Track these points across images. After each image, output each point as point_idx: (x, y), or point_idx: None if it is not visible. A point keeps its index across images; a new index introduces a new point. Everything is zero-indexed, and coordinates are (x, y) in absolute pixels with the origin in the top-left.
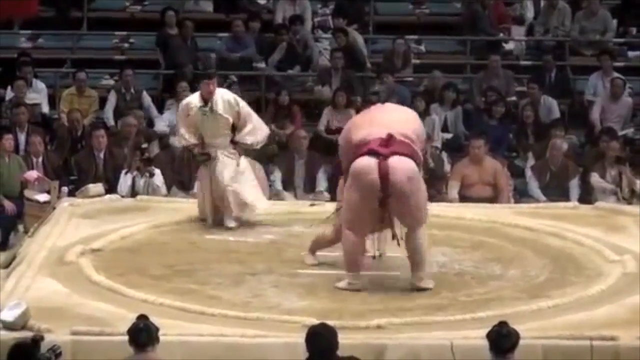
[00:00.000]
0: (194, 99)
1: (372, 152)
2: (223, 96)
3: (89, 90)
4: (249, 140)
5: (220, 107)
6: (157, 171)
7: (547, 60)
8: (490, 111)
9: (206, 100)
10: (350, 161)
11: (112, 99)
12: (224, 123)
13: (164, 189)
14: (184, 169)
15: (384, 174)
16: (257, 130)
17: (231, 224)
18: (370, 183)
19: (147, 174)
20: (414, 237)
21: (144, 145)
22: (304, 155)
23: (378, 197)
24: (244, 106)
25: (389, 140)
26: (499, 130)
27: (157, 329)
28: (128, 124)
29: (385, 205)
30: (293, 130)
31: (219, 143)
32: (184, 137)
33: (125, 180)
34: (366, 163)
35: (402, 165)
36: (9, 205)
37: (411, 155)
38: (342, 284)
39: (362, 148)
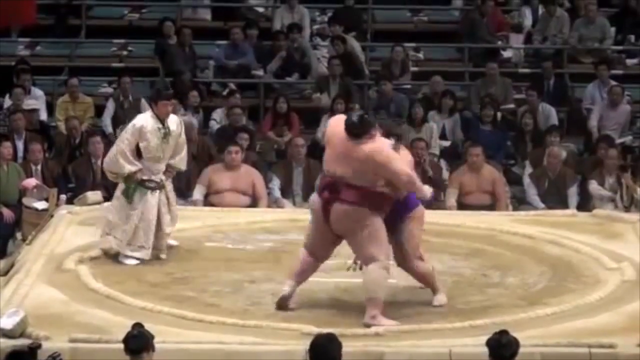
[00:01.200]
0: (147, 121)
1: (319, 192)
2: (173, 119)
3: (83, 96)
4: (183, 166)
5: (175, 129)
6: None
7: (546, 66)
8: (489, 118)
9: (162, 121)
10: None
11: (110, 106)
12: (177, 146)
13: None
14: (182, 176)
15: (326, 217)
16: (186, 155)
17: (174, 242)
18: (319, 218)
19: None
20: (364, 273)
21: None
22: (302, 163)
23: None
24: (183, 130)
25: (334, 185)
26: (495, 137)
27: (152, 336)
28: None
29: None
30: (291, 137)
31: (161, 168)
32: (132, 162)
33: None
34: (315, 200)
35: (336, 212)
36: (7, 213)
37: (353, 200)
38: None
39: (320, 182)
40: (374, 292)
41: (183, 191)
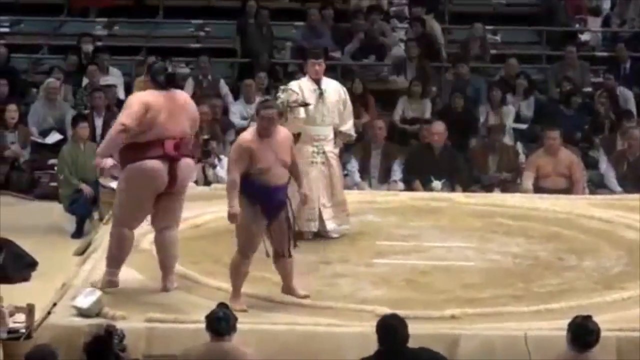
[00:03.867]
0: (303, 83)
1: (165, 157)
2: (331, 82)
3: None
4: (353, 132)
5: (331, 92)
6: (224, 161)
7: (619, 49)
8: (567, 101)
9: (317, 82)
10: (134, 147)
11: (189, 86)
12: (336, 111)
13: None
14: None
15: (173, 176)
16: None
17: (335, 234)
18: (161, 184)
19: (209, 165)
20: (173, 237)
21: (205, 137)
22: (381, 145)
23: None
24: (347, 95)
25: (180, 144)
26: (573, 121)
27: (235, 318)
28: (201, 112)
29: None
30: (368, 119)
31: (326, 134)
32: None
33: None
34: (160, 167)
35: (184, 168)
36: (87, 189)
37: (190, 154)
38: (101, 282)
39: (156, 148)
40: (178, 253)
41: None
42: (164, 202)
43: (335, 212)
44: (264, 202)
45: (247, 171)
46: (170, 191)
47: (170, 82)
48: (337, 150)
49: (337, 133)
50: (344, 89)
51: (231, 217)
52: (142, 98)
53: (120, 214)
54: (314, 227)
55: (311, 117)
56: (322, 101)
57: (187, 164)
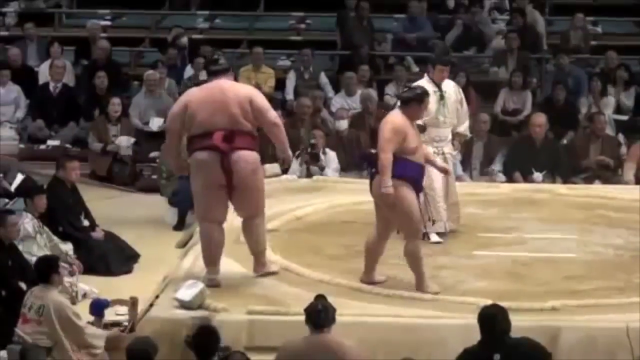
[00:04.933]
0: (424, 84)
1: (214, 148)
2: (449, 83)
3: (265, 67)
4: (469, 132)
5: (451, 94)
6: (332, 156)
7: None
8: None
9: (438, 85)
10: (190, 141)
11: (292, 77)
12: (454, 111)
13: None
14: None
15: (227, 169)
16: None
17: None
18: (213, 175)
19: (318, 168)
20: (255, 226)
21: (313, 141)
22: (484, 138)
23: (222, 186)
24: (463, 95)
25: (231, 136)
26: None
27: (334, 310)
28: (303, 105)
29: (230, 193)
30: (470, 112)
31: (446, 136)
32: None
33: (295, 163)
34: (208, 157)
35: (239, 160)
36: None
37: (248, 146)
38: (202, 280)
39: (205, 139)
40: (264, 244)
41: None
42: (235, 196)
43: (448, 214)
44: (418, 181)
45: (395, 152)
46: (232, 185)
47: (212, 71)
48: (455, 152)
49: (454, 134)
50: (459, 88)
51: (388, 196)
52: (185, 96)
53: (195, 207)
54: (440, 227)
55: (432, 118)
56: (444, 103)
57: (240, 156)
